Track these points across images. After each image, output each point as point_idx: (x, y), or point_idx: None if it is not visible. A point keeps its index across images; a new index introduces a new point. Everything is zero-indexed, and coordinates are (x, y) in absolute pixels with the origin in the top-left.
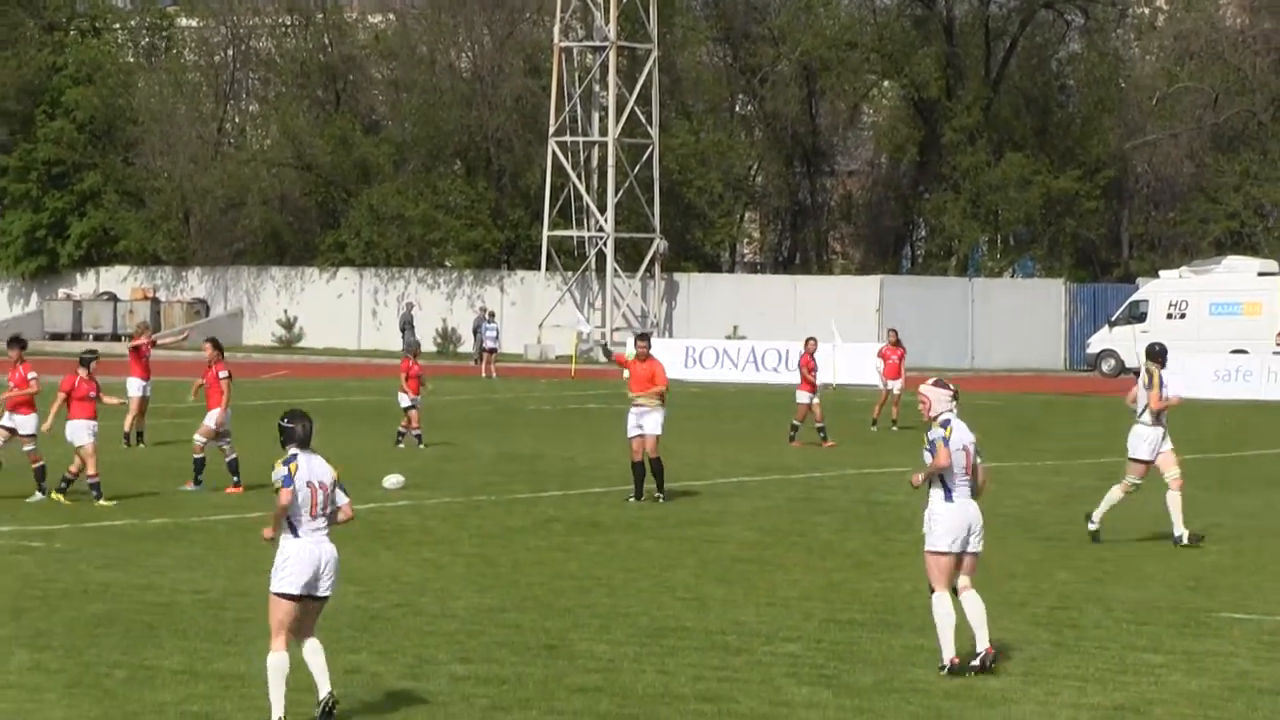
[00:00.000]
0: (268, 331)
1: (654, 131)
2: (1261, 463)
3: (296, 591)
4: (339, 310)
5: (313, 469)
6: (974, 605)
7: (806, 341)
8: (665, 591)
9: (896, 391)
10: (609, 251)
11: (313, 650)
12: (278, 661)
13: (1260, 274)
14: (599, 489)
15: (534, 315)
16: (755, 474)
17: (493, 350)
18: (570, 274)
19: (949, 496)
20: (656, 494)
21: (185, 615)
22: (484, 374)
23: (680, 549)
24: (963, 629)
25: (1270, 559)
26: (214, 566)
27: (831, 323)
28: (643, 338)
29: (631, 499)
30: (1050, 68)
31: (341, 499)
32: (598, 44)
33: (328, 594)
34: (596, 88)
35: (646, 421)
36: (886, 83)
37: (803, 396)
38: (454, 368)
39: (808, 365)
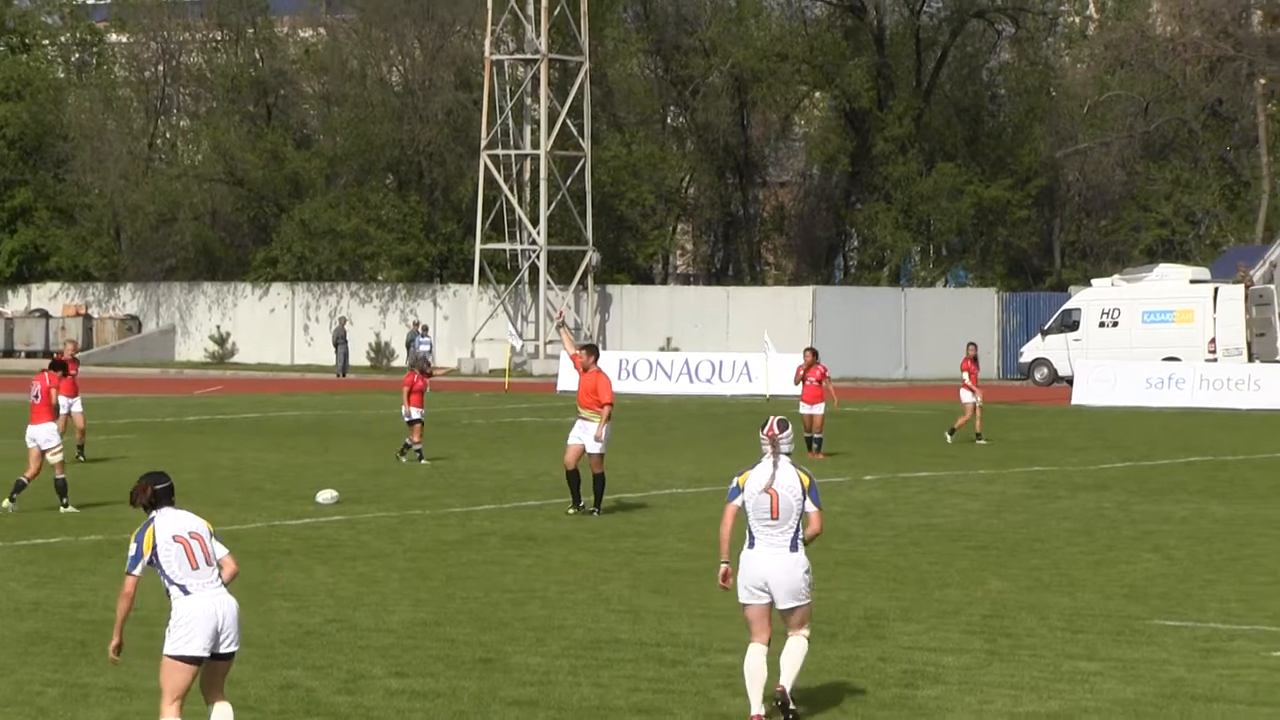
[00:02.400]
0: (200, 347)
1: (586, 144)
2: (1192, 470)
3: (197, 653)
4: (271, 326)
5: (178, 523)
6: (793, 647)
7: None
8: (600, 604)
9: (980, 402)
10: (542, 264)
11: (223, 717)
12: None
13: (1192, 281)
14: (533, 502)
15: (467, 329)
16: (689, 486)
17: None
18: (503, 287)
19: (750, 543)
20: (592, 508)
21: None
22: None
23: (615, 561)
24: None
25: (1201, 566)
26: (146, 583)
27: (765, 334)
28: (590, 349)
29: (570, 510)
30: (981, 77)
31: (220, 550)
32: (529, 57)
33: (232, 650)
34: (528, 101)
35: (587, 435)
36: (818, 94)
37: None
38: (387, 382)
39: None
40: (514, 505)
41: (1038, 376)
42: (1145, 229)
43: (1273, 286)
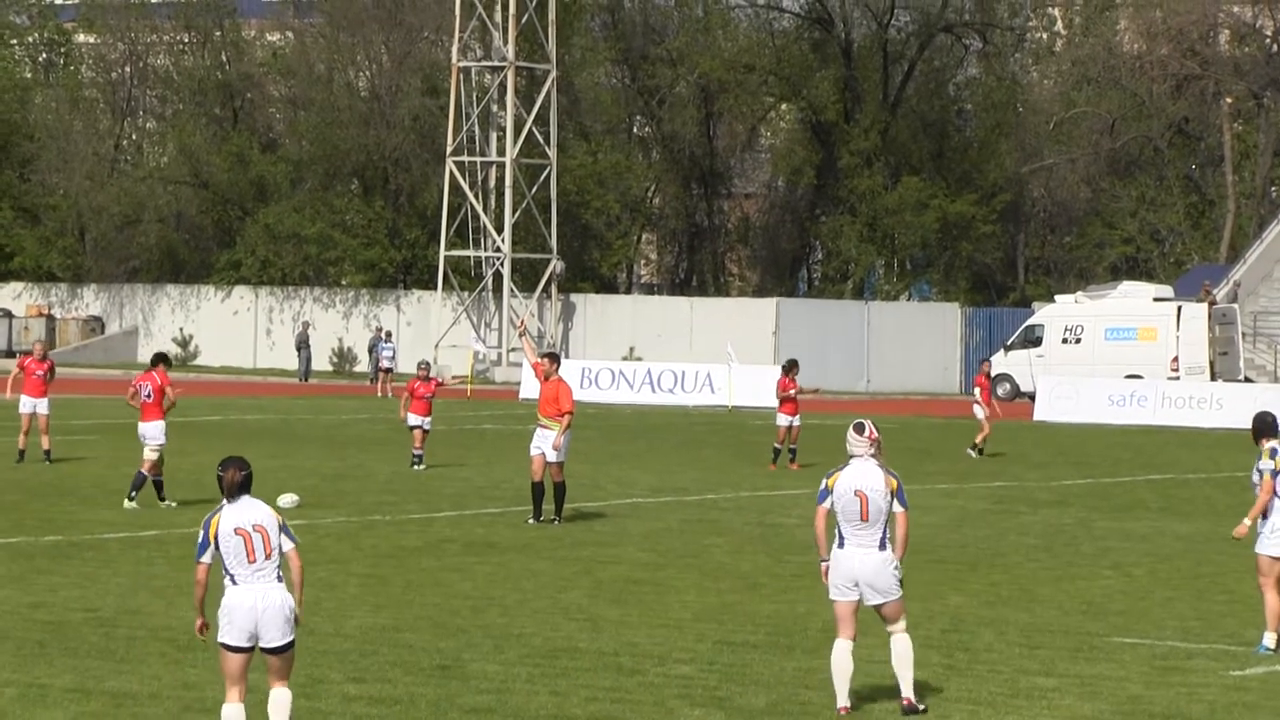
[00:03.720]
0: (163, 349)
1: (552, 152)
2: (1153, 488)
3: (234, 643)
4: (234, 328)
5: (243, 515)
6: (899, 648)
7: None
8: (559, 612)
9: (988, 419)
10: (506, 272)
11: (276, 705)
12: (230, 713)
13: (1155, 299)
14: (494, 509)
15: (430, 335)
16: (650, 495)
17: (389, 370)
18: (467, 294)
19: (840, 543)
20: (553, 517)
21: (76, 633)
22: (380, 393)
23: (574, 570)
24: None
25: (1161, 584)
26: (105, 584)
27: (728, 345)
28: (551, 357)
29: (530, 520)
30: (948, 92)
31: (286, 545)
32: (496, 64)
33: (279, 644)
34: (494, 108)
35: (546, 444)
36: (784, 105)
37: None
38: (350, 387)
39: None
40: (475, 512)
41: (1000, 392)
42: (1110, 246)
43: (1236, 305)
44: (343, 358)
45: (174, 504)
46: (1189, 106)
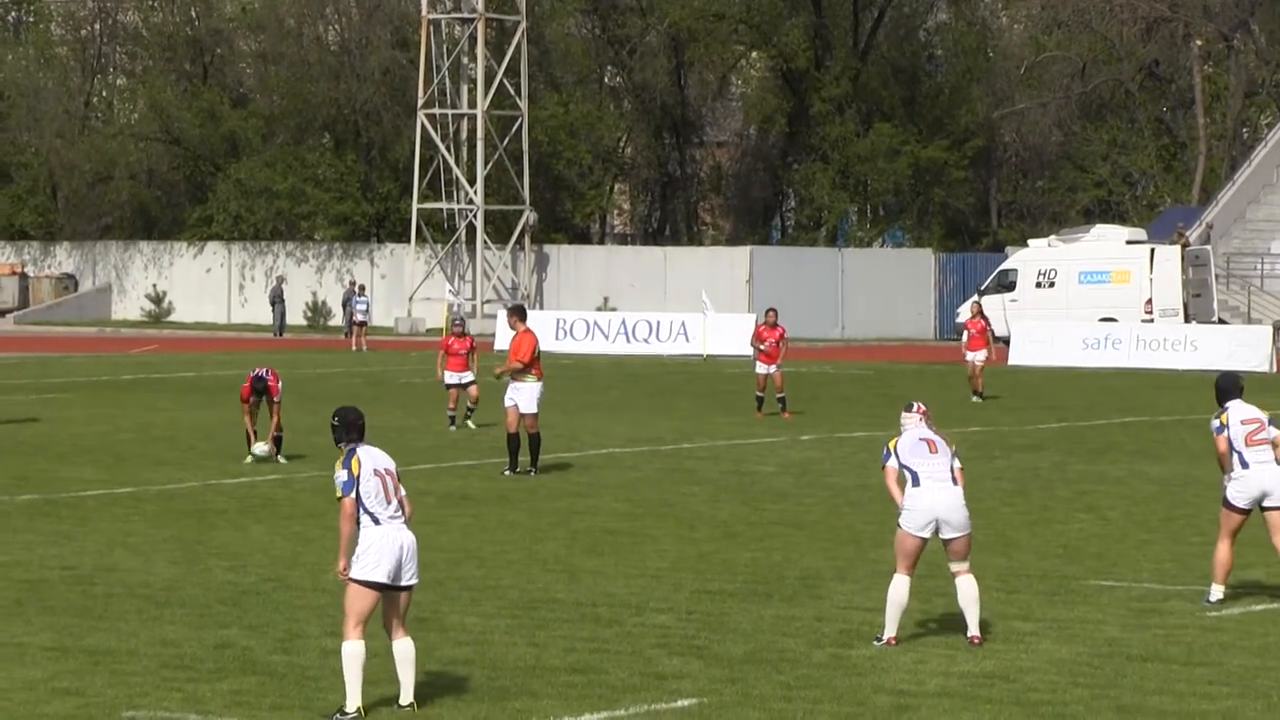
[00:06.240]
0: (137, 306)
1: (523, 103)
2: (1128, 431)
3: (382, 579)
4: (208, 284)
5: (375, 457)
6: (965, 589)
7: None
8: (536, 564)
9: (979, 362)
10: (479, 224)
11: (404, 657)
12: (353, 649)
13: (1129, 242)
14: (469, 462)
15: (404, 288)
16: (625, 445)
17: (363, 323)
18: (440, 246)
19: (915, 481)
20: (529, 468)
21: (54, 591)
22: (354, 347)
23: (551, 521)
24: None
25: (1136, 527)
26: (82, 542)
27: (703, 293)
28: (516, 311)
29: (506, 471)
30: (918, 38)
31: (401, 490)
32: (466, 16)
33: (412, 582)
34: (465, 60)
35: (520, 396)
36: (755, 54)
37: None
38: (324, 341)
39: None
40: (450, 465)
41: None
42: (1082, 190)
43: (1209, 247)
44: (317, 312)
45: (250, 460)
46: (1159, 49)
